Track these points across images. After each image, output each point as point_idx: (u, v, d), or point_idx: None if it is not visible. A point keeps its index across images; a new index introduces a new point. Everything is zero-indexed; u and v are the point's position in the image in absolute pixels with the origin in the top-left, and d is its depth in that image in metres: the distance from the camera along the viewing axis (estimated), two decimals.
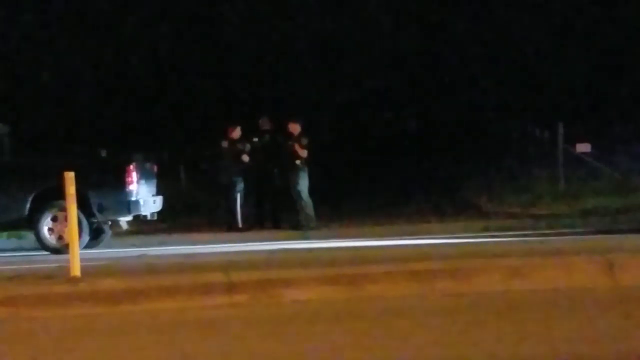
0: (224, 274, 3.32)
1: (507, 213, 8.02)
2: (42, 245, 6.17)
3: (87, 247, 5.86)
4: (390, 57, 12.43)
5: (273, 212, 7.88)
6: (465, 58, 12.31)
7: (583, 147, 9.12)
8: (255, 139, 7.66)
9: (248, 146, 7.55)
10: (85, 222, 5.78)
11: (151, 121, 11.84)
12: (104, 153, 7.92)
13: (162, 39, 12.25)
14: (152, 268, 4.08)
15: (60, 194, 4.00)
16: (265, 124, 7.80)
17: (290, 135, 7.45)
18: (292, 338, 2.42)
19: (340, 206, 8.87)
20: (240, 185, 7.49)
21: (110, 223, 6.70)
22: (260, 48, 12.45)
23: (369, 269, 3.41)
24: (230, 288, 3.15)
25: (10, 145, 6.46)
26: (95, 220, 6.24)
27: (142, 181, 6.57)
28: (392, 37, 12.24)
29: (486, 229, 6.73)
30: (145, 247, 6.43)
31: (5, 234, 7.09)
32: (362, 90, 12.42)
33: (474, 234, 6.50)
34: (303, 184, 7.31)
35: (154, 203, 6.86)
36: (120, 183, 6.23)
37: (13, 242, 7.15)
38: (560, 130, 8.99)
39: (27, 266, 4.63)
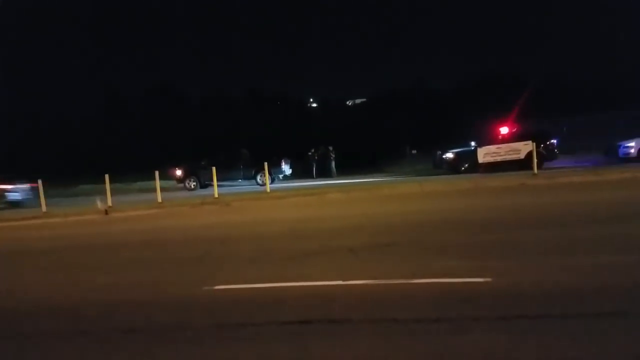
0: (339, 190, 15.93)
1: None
2: (257, 183, 19.78)
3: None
4: None
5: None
6: None
7: None
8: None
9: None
10: (269, 177, 18.98)
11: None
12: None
13: None
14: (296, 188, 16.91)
15: (264, 169, 17.06)
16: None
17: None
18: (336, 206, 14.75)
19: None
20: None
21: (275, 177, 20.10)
22: None
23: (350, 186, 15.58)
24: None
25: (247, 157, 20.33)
26: (273, 176, 19.57)
27: (283, 164, 19.86)
28: None
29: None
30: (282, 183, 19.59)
31: (241, 181, 20.90)
32: None
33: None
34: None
35: (289, 170, 20.21)
36: (278, 165, 19.57)
37: (243, 183, 20.91)
38: None
39: (252, 190, 17.97)
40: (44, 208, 13.63)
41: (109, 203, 13.74)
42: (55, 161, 32.04)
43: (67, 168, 28.77)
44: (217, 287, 4.82)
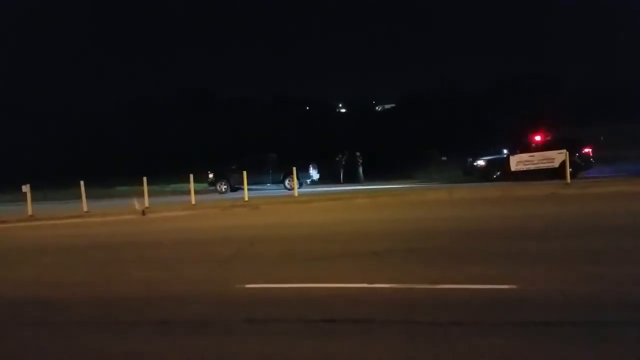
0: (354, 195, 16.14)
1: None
2: (285, 187, 20.11)
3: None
4: None
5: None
6: None
7: None
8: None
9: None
10: (297, 181, 19.22)
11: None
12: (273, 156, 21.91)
13: None
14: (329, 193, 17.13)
15: (292, 173, 17.32)
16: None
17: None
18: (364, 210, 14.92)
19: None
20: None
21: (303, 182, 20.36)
22: None
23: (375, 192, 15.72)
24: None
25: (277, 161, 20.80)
26: (301, 181, 19.87)
27: (311, 169, 20.11)
28: None
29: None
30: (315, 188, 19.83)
31: (269, 185, 21.32)
32: None
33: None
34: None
35: (316, 175, 20.49)
36: (306, 170, 19.82)
37: (271, 187, 21.31)
38: None
39: (280, 194, 18.29)
40: (85, 208, 14.34)
41: (146, 204, 14.33)
42: (89, 163, 33.43)
43: (102, 170, 29.98)
44: (247, 286, 5.05)
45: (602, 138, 23.28)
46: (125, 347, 3.62)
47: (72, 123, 42.92)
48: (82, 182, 14.67)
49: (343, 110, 51.01)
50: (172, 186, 26.22)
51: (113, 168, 31.67)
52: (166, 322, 4.10)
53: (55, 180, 25.44)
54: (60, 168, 31.70)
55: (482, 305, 4.02)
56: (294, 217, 11.61)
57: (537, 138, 18.57)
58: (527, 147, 18.28)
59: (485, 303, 4.08)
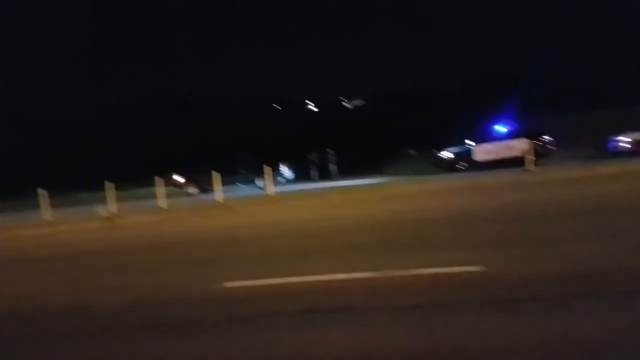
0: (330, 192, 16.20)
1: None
2: (258, 187, 20.03)
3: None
4: None
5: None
6: None
7: None
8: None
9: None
10: (270, 181, 19.21)
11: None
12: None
13: None
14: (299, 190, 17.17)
15: (263, 173, 17.36)
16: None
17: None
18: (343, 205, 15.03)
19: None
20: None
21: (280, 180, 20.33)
22: None
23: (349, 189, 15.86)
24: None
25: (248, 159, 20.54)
26: (275, 180, 19.84)
27: (285, 168, 20.09)
28: None
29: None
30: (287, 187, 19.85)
31: (241, 185, 21.22)
32: None
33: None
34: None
35: (290, 174, 20.48)
36: (279, 169, 19.84)
37: (244, 188, 21.20)
38: None
39: (254, 194, 18.24)
40: (48, 217, 13.87)
41: (113, 210, 14.00)
42: (49, 169, 32.20)
43: (64, 176, 28.96)
44: (228, 285, 5.09)
45: (559, 126, 24.32)
46: (108, 352, 3.61)
47: (41, 128, 41.12)
48: (40, 191, 14.15)
49: (314, 109, 51.10)
50: (139, 190, 25.66)
51: (75, 174, 30.63)
52: (148, 325, 4.09)
53: (15, 188, 24.44)
54: (21, 176, 30.38)
55: (453, 287, 4.23)
56: (269, 216, 11.65)
57: (500, 129, 19.29)
58: (490, 139, 18.96)
59: (456, 284, 4.30)
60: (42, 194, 14.07)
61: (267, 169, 17.18)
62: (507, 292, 3.93)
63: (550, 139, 18.85)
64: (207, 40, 75.48)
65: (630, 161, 14.97)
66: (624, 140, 18.15)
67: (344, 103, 50.31)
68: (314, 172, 23.87)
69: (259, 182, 20.24)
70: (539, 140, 18.19)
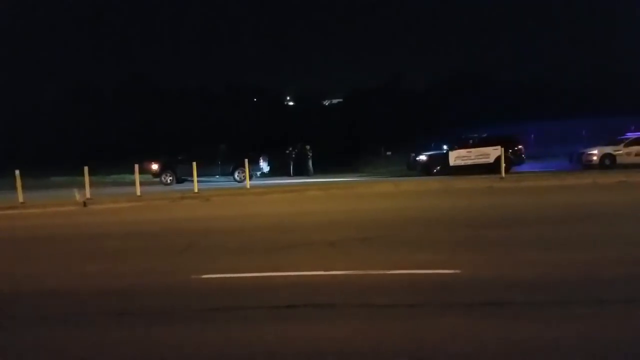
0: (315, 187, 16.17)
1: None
2: (235, 180, 19.88)
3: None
4: None
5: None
6: None
7: None
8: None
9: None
10: (248, 173, 19.13)
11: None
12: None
13: None
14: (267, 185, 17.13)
15: (242, 165, 17.24)
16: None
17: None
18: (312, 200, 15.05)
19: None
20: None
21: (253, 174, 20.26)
22: None
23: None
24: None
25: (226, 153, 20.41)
26: (251, 173, 19.74)
27: (261, 161, 20.02)
28: None
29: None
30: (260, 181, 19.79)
31: (218, 177, 20.99)
32: None
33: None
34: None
35: (267, 167, 20.43)
36: (256, 162, 19.74)
37: (220, 179, 20.99)
38: None
39: (231, 186, 18.12)
40: (20, 198, 13.41)
41: (88, 195, 13.65)
42: (22, 152, 31.05)
43: (37, 160, 27.96)
44: (204, 276, 5.07)
45: (532, 135, 25.11)
46: (83, 339, 3.54)
47: (15, 112, 39.40)
48: (17, 172, 13.67)
49: (291, 104, 50.87)
50: (113, 177, 25.02)
51: (45, 157, 29.58)
52: (124, 314, 4.04)
53: None
54: None
55: (431, 289, 4.35)
56: (247, 208, 11.60)
57: (474, 135, 19.79)
58: (465, 144, 19.41)
59: (434, 286, 4.42)
60: (16, 175, 13.59)
61: (246, 162, 17.05)
62: (481, 296, 4.07)
63: (522, 147, 19.45)
64: (191, 29, 74.14)
65: (600, 173, 15.67)
66: (592, 154, 18.90)
67: (325, 102, 50.43)
68: (289, 168, 23.86)
69: (237, 175, 20.03)
70: (512, 148, 18.73)
